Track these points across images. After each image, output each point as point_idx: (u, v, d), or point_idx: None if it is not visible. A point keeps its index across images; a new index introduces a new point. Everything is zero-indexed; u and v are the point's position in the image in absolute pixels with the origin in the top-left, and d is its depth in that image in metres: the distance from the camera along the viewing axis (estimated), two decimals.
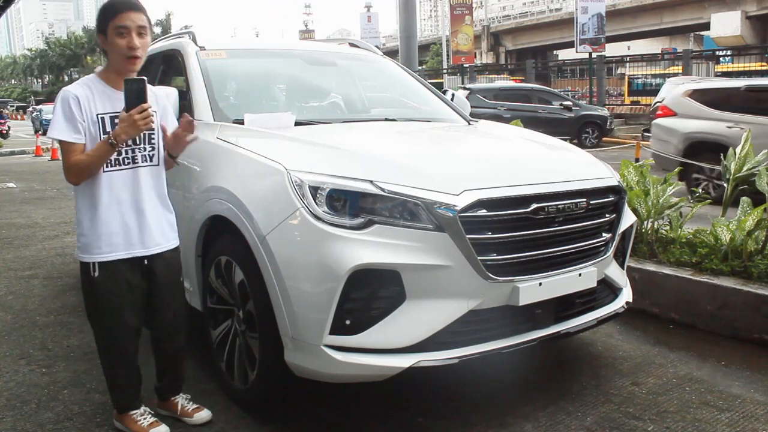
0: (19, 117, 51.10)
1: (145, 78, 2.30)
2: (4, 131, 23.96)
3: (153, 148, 2.45)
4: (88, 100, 2.31)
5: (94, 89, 2.35)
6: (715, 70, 23.91)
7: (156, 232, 2.47)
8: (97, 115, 2.32)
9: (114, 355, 2.52)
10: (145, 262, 2.47)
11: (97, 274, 2.39)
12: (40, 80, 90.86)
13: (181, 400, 2.69)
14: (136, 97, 2.25)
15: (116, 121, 2.31)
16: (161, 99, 2.57)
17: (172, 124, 2.55)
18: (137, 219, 2.42)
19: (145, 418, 2.56)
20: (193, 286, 3.08)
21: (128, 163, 2.39)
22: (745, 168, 4.33)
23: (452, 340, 2.37)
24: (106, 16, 2.32)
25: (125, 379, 2.56)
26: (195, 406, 2.68)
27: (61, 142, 2.30)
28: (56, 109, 2.30)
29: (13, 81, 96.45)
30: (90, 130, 2.31)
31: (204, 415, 2.65)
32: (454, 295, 2.36)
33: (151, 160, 2.45)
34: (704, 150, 7.92)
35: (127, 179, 2.39)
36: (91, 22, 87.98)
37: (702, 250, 3.94)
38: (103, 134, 2.32)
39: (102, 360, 2.56)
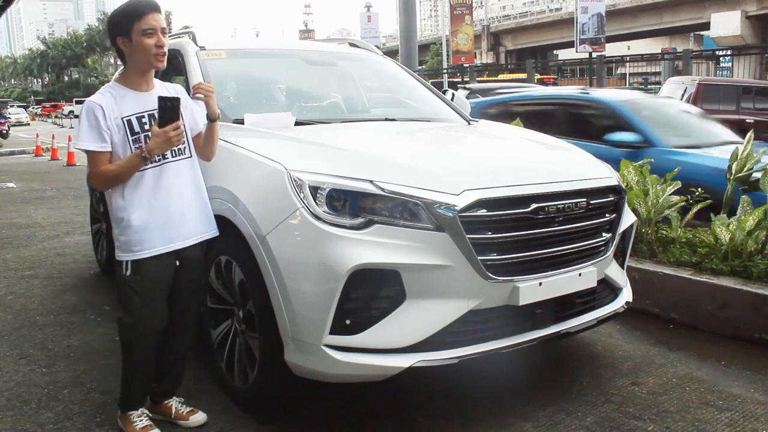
0: None
1: (180, 97, 2.38)
2: (4, 131, 23.94)
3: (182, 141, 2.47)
4: (112, 107, 2.36)
5: (116, 94, 2.40)
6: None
7: (190, 223, 2.49)
8: (122, 118, 2.36)
9: (138, 353, 2.49)
10: (176, 262, 2.49)
11: (129, 272, 2.41)
12: (40, 80, 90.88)
13: (175, 404, 2.67)
14: (171, 114, 2.32)
15: (143, 121, 2.38)
16: (181, 92, 2.59)
17: (192, 116, 2.60)
18: (170, 213, 2.43)
19: (141, 420, 2.54)
20: None
21: (158, 160, 2.41)
22: (746, 168, 4.32)
23: (452, 340, 2.37)
24: (130, 18, 2.34)
25: (141, 378, 2.54)
26: (189, 408, 2.66)
27: (87, 151, 2.35)
28: (81, 119, 2.36)
29: (13, 81, 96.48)
30: (116, 135, 2.35)
31: (199, 417, 2.63)
32: (454, 295, 2.36)
33: (182, 153, 2.49)
34: None
35: (158, 175, 2.41)
36: (92, 21, 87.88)
37: (702, 250, 3.94)
38: (131, 136, 2.36)
39: (124, 356, 2.53)
